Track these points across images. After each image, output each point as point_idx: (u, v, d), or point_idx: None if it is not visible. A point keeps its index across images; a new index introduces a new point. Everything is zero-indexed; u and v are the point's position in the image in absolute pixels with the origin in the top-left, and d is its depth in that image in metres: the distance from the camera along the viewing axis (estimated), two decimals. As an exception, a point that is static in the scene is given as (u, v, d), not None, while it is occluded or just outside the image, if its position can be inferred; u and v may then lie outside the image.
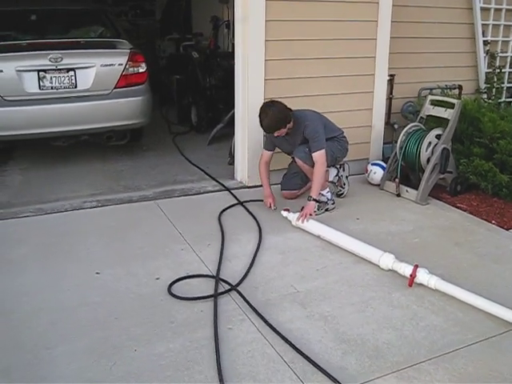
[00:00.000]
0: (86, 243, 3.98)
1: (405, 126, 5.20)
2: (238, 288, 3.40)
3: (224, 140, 6.44)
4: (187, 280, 3.51)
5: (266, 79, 4.95)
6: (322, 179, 4.40)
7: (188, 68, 7.58)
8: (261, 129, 4.83)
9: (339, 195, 4.87)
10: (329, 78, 5.23)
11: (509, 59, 6.67)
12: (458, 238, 4.24)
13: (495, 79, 6.55)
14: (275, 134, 4.38)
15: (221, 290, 3.39)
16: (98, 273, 3.57)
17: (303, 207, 4.49)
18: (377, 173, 5.26)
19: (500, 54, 6.55)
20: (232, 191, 5.02)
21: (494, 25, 6.45)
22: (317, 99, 5.17)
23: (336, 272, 3.66)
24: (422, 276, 3.44)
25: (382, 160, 5.61)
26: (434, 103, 5.18)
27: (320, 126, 4.40)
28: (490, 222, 4.55)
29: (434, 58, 6.14)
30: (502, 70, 6.56)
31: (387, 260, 3.64)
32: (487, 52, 6.47)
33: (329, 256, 3.87)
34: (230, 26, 7.74)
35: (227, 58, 6.82)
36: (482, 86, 6.50)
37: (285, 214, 4.38)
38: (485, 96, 6.47)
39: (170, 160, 6.01)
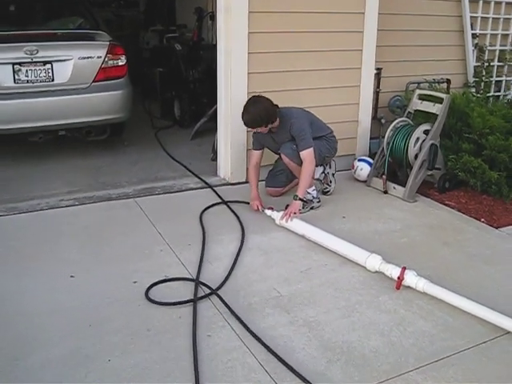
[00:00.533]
0: (61, 244, 3.82)
1: (392, 121, 5.07)
2: (219, 292, 3.26)
3: (207, 134, 6.28)
4: (166, 283, 3.36)
5: (249, 73, 4.80)
6: (310, 178, 4.26)
7: (171, 60, 7.40)
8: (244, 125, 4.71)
9: (325, 193, 4.74)
10: (314, 71, 5.08)
11: (497, 53, 6.56)
12: (446, 237, 4.12)
13: (484, 73, 6.43)
14: (255, 130, 4.27)
15: (201, 294, 3.24)
16: (72, 276, 3.41)
17: (288, 205, 4.36)
18: (363, 169, 5.14)
19: (489, 48, 6.42)
20: (215, 188, 4.87)
21: (482, 17, 6.34)
22: (302, 93, 5.03)
23: (321, 274, 3.53)
24: (410, 279, 3.32)
25: (369, 156, 5.48)
26: (422, 97, 5.05)
27: (306, 124, 4.25)
28: (479, 220, 4.44)
29: (421, 51, 6.01)
30: (491, 64, 6.43)
31: (374, 261, 3.51)
32: (476, 45, 6.35)
33: (313, 257, 3.74)
34: (214, 17, 7.52)
35: (211, 51, 6.61)
36: (471, 79, 6.40)
37: (269, 212, 4.24)
38: (473, 90, 6.35)
39: (152, 156, 5.84)
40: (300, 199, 4.16)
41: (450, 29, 6.21)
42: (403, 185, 4.86)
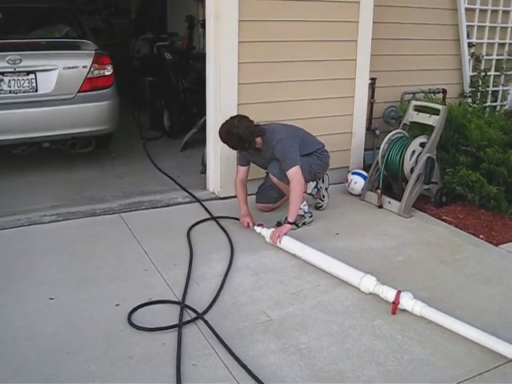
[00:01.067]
0: (41, 264, 3.64)
1: (388, 133, 4.92)
2: (206, 316, 3.09)
3: (197, 146, 6.11)
4: (150, 306, 3.19)
5: (239, 83, 4.64)
6: (300, 199, 4.06)
7: (161, 70, 7.23)
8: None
9: (318, 208, 4.57)
10: (307, 82, 4.93)
11: (494, 62, 6.42)
12: (444, 255, 3.96)
13: (480, 83, 6.29)
14: (242, 151, 4.17)
15: (186, 318, 3.07)
16: (51, 298, 3.23)
17: (278, 222, 4.19)
18: (357, 182, 4.98)
19: (485, 57, 6.29)
20: (204, 203, 4.70)
21: (479, 26, 6.20)
22: (294, 105, 4.89)
23: (313, 296, 3.36)
24: (406, 302, 3.16)
25: (363, 168, 5.33)
26: (418, 109, 4.90)
27: (289, 143, 4.03)
28: (478, 237, 4.28)
29: (417, 60, 5.87)
30: (488, 74, 6.30)
31: (368, 283, 3.35)
32: (472, 54, 6.22)
33: (306, 277, 3.57)
34: (205, 25, 7.39)
35: (201, 60, 6.44)
36: (467, 89, 6.26)
37: (258, 229, 4.07)
38: (469, 100, 6.22)
39: (140, 168, 5.66)
40: (290, 223, 3.98)
41: (446, 38, 6.07)
42: (399, 199, 4.71)
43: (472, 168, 4.69)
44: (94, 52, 5.14)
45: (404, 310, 3.17)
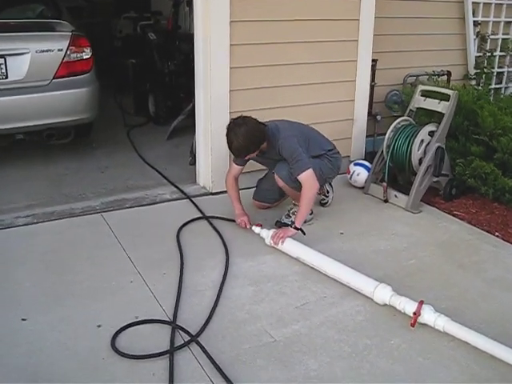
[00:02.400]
0: (13, 276, 3.23)
1: (390, 118, 4.54)
2: (201, 338, 2.72)
3: (185, 133, 5.69)
4: (137, 327, 2.80)
5: (231, 67, 4.21)
6: (311, 205, 3.66)
7: (145, 51, 6.76)
8: (227, 121, 4.14)
9: (323, 204, 4.18)
10: (305, 65, 4.52)
11: (500, 42, 6.03)
12: (460, 257, 3.61)
13: (485, 64, 5.91)
14: (245, 158, 3.66)
15: (179, 340, 2.69)
16: (24, 319, 2.83)
17: (278, 221, 3.81)
18: (360, 174, 4.59)
19: (491, 37, 5.89)
20: (194, 199, 4.30)
21: (484, 3, 5.80)
22: (291, 90, 4.49)
23: (320, 310, 2.99)
24: (428, 315, 2.81)
25: (364, 155, 4.96)
26: (426, 94, 4.51)
27: (295, 143, 3.60)
28: (494, 235, 3.94)
29: (420, 40, 5.48)
30: (494, 54, 5.91)
31: (383, 293, 2.99)
32: (477, 34, 5.83)
33: (311, 287, 3.20)
34: (191, 2, 6.91)
35: (188, 41, 6.00)
36: (472, 71, 5.88)
37: (257, 230, 3.69)
38: (474, 82, 5.85)
39: (123, 160, 5.23)
40: (296, 228, 3.57)
41: (450, 16, 5.68)
42: (405, 192, 4.35)
43: (484, 158, 4.33)
44: (70, 33, 4.67)
45: (423, 325, 2.82)
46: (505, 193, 4.22)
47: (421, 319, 2.81)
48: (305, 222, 3.89)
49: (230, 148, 3.59)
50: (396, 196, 4.33)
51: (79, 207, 4.09)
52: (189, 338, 2.69)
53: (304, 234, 3.59)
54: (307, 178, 3.52)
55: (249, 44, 4.22)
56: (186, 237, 3.72)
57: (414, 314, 2.80)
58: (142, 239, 3.67)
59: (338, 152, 3.94)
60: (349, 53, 4.68)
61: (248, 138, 3.47)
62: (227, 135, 3.54)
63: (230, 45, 4.15)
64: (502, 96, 5.83)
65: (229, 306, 2.98)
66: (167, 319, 2.85)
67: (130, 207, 4.15)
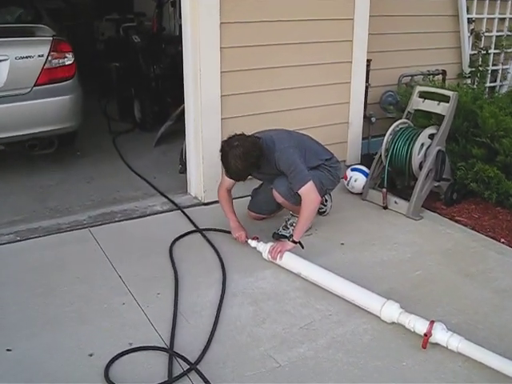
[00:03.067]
0: (-5, 300, 3.02)
1: (388, 121, 4.38)
2: (200, 365, 2.53)
3: (174, 139, 5.51)
4: (132, 354, 2.60)
5: (222, 71, 4.02)
6: (311, 220, 3.47)
7: (129, 54, 6.53)
8: (218, 134, 3.98)
9: (321, 213, 3.99)
10: (298, 67, 4.35)
11: (494, 39, 5.89)
12: (466, 266, 3.46)
13: (480, 62, 5.77)
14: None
15: (177, 369, 2.51)
16: (9, 350, 2.62)
17: (275, 234, 3.64)
18: (358, 180, 4.43)
19: (486, 34, 5.75)
20: (186, 210, 4.11)
21: (478, 0, 5.64)
22: (284, 93, 4.32)
23: (326, 330, 2.81)
24: (440, 335, 2.65)
25: (360, 161, 4.81)
26: (424, 95, 4.35)
27: (295, 154, 3.39)
28: (499, 241, 3.79)
29: (414, 39, 5.32)
30: (488, 52, 5.78)
31: (391, 311, 2.82)
32: (472, 31, 5.68)
33: (314, 304, 3.02)
34: (175, 3, 6.71)
35: (174, 43, 5.84)
36: (466, 69, 5.73)
37: (253, 243, 3.51)
38: (469, 81, 5.71)
39: (110, 169, 5.01)
40: (294, 242, 3.38)
41: (444, 13, 5.53)
42: (404, 197, 4.20)
43: (486, 161, 4.18)
44: (51, 38, 4.44)
45: (435, 344, 2.65)
46: (509, 197, 4.08)
47: (432, 339, 2.65)
48: None
49: (227, 173, 3.36)
50: (396, 202, 4.17)
51: (65, 222, 3.87)
52: (188, 367, 2.50)
53: (303, 247, 3.41)
54: (308, 191, 3.32)
55: (240, 46, 4.04)
56: (180, 252, 3.53)
57: (425, 335, 2.64)
58: (133, 256, 3.48)
59: (338, 161, 3.76)
60: (343, 54, 4.51)
61: (246, 159, 3.23)
62: (223, 160, 3.29)
63: (221, 48, 3.96)
64: (496, 94, 5.70)
65: (228, 329, 2.80)
66: (163, 345, 2.66)
67: (119, 221, 3.94)
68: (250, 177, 3.54)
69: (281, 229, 3.70)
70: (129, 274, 3.26)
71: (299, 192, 3.33)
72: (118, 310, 2.94)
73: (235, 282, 3.21)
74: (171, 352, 2.59)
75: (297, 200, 3.39)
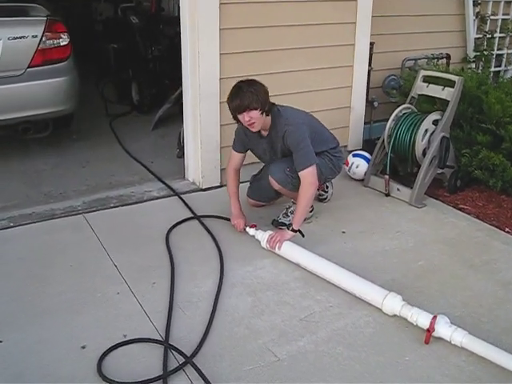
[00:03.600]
0: (-14, 288, 2.93)
1: (391, 105, 4.27)
2: (197, 358, 2.45)
3: (172, 122, 5.41)
4: (126, 347, 2.52)
5: (222, 53, 3.91)
6: (309, 205, 3.40)
7: (127, 35, 6.39)
8: (216, 117, 3.86)
9: (321, 200, 3.91)
10: (300, 49, 4.25)
11: (499, 22, 5.75)
12: (470, 256, 3.37)
13: (485, 46, 5.64)
14: (246, 118, 3.15)
15: (172, 362, 2.43)
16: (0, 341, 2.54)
17: (274, 221, 3.55)
18: (360, 166, 4.33)
19: (491, 17, 5.61)
20: (183, 196, 4.01)
21: (485, -19, 5.52)
22: (286, 77, 4.22)
23: (326, 322, 2.73)
24: (444, 330, 2.57)
25: (362, 147, 4.71)
26: (428, 80, 4.23)
27: (305, 134, 3.28)
28: (504, 230, 3.70)
29: (418, 21, 5.20)
30: (494, 36, 5.64)
31: (393, 304, 2.74)
32: (477, 14, 5.54)
33: (314, 295, 2.94)
34: (174, -17, 6.56)
35: (173, 24, 5.68)
36: (471, 54, 5.61)
37: (251, 231, 3.42)
38: (473, 66, 5.59)
39: (106, 153, 4.90)
40: (294, 230, 3.28)
41: (449, -6, 5.39)
42: (406, 184, 4.11)
43: (491, 148, 4.07)
44: (45, 18, 4.30)
45: (439, 338, 2.58)
46: (514, 184, 3.98)
47: (436, 333, 2.57)
48: (304, 219, 3.63)
49: (229, 100, 3.18)
50: (398, 189, 4.08)
51: (60, 208, 3.78)
52: (183, 360, 2.42)
53: (303, 236, 3.31)
54: (309, 174, 3.22)
55: (240, 28, 3.92)
56: (177, 239, 3.44)
57: (428, 331, 2.56)
58: (129, 243, 3.39)
59: (341, 150, 3.67)
60: (346, 36, 4.40)
61: (254, 93, 3.10)
62: (231, 90, 3.19)
63: (220, 29, 3.84)
64: (501, 79, 5.58)
65: (226, 321, 2.72)
66: (159, 337, 2.58)
67: (115, 206, 3.85)
68: (252, 156, 3.48)
69: (281, 216, 3.61)
70: (124, 262, 3.18)
71: (301, 173, 3.22)
72: (112, 299, 2.86)
73: (233, 271, 3.13)
74: (166, 345, 2.51)
75: (294, 186, 3.30)
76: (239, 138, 3.47)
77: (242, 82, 3.20)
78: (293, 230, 3.26)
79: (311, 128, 3.35)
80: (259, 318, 2.75)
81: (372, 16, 4.55)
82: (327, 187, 3.88)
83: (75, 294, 2.90)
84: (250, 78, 3.27)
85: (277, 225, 3.56)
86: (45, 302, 2.83)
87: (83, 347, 2.51)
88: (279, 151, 3.37)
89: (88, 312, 2.76)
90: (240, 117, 3.18)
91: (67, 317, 2.72)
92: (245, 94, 3.11)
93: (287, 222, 3.51)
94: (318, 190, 3.78)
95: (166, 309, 2.77)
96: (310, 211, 3.68)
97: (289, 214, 3.59)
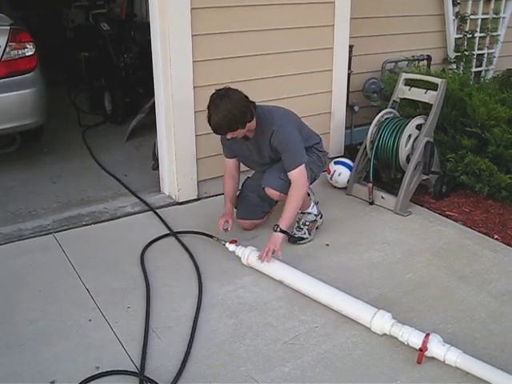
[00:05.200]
0: None
1: (372, 109, 4.15)
2: (174, 391, 2.27)
3: (146, 132, 5.23)
4: (98, 380, 2.34)
5: (195, 61, 3.74)
6: (299, 205, 3.20)
7: (98, 43, 6.18)
8: (191, 127, 3.70)
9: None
10: (276, 54, 4.09)
11: (479, 22, 5.66)
12: (460, 267, 3.24)
13: (465, 46, 5.54)
14: (228, 136, 3.06)
15: (148, 397, 2.25)
16: (-41, 380, 2.35)
17: (291, 237, 3.36)
18: (342, 174, 4.18)
19: (471, 17, 5.51)
20: (159, 211, 3.84)
21: (463, -19, 5.41)
22: (262, 83, 4.06)
23: (312, 344, 2.57)
24: (437, 349, 2.42)
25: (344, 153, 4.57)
26: (410, 83, 4.10)
27: (294, 132, 3.15)
28: (492, 237, 3.58)
29: (397, 22, 5.08)
30: (474, 35, 5.55)
31: (382, 323, 2.59)
32: (457, 14, 5.44)
33: (298, 315, 2.78)
34: (147, -12, 6.36)
35: (145, 30, 5.48)
36: (452, 54, 5.50)
37: (231, 247, 3.24)
38: (454, 66, 5.48)
39: (78, 166, 4.70)
40: (282, 231, 3.10)
41: (428, -6, 5.28)
42: (390, 191, 3.98)
43: (477, 152, 3.96)
44: (8, 27, 4.10)
45: (431, 358, 2.43)
46: (501, 189, 3.86)
47: (428, 353, 2.43)
48: (317, 228, 3.52)
49: (209, 123, 3.03)
50: (383, 197, 3.94)
51: (28, 227, 3.58)
52: (160, 395, 2.25)
53: (292, 237, 3.20)
54: (300, 174, 3.10)
55: (214, 34, 3.76)
56: (152, 258, 3.26)
57: (421, 350, 2.41)
58: (102, 264, 3.20)
59: (323, 146, 3.54)
60: (324, 39, 4.25)
61: (230, 111, 2.94)
62: (208, 107, 3.01)
63: (193, 35, 3.67)
64: (482, 79, 5.50)
65: (205, 347, 2.54)
66: (134, 368, 2.40)
67: (87, 224, 3.65)
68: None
69: (295, 231, 3.42)
70: (97, 285, 2.99)
71: (292, 172, 3.09)
72: (84, 327, 2.67)
73: (212, 291, 2.96)
74: (142, 377, 2.33)
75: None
76: (224, 144, 3.35)
77: (216, 95, 3.00)
78: (281, 231, 3.09)
79: (296, 125, 3.23)
80: (241, 342, 2.58)
81: (350, 18, 4.41)
82: (309, 194, 3.63)
83: (45, 322, 2.71)
84: (226, 86, 3.09)
85: (294, 241, 3.37)
86: (12, 331, 2.64)
87: (52, 382, 2.33)
88: (266, 153, 3.22)
89: (58, 342, 2.57)
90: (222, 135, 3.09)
91: (36, 348, 2.53)
92: (222, 118, 2.95)
93: (305, 236, 3.40)
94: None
95: (141, 335, 2.59)
96: (321, 218, 3.57)
97: (301, 226, 3.43)
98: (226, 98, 2.97)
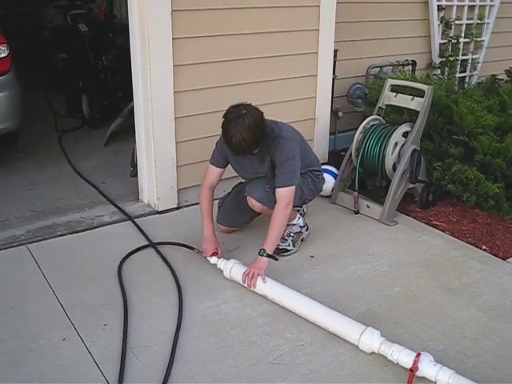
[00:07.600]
0: None
1: (356, 115, 4.07)
2: (153, 418, 2.14)
3: (125, 137, 5.07)
4: (71, 405, 2.20)
5: (175, 65, 3.61)
6: (284, 227, 3.07)
7: (76, 44, 6.01)
8: (171, 134, 3.58)
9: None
10: (259, 59, 3.98)
11: (464, 27, 5.61)
12: (448, 280, 3.15)
13: (450, 51, 5.49)
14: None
15: (125, 424, 2.11)
16: None
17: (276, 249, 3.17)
18: (327, 182, 4.04)
19: (456, 22, 5.46)
20: (138, 220, 3.70)
21: (448, -14, 5.36)
22: (245, 89, 3.92)
23: (298, 364, 2.46)
24: (428, 369, 2.33)
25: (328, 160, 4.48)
26: (396, 89, 4.01)
27: (296, 150, 3.03)
28: (480, 248, 3.51)
29: (382, 27, 5.03)
30: (459, 41, 5.49)
31: (371, 341, 2.50)
32: (441, 19, 5.38)
33: (283, 333, 2.66)
34: (126, -11, 6.21)
35: (124, 32, 5.34)
36: (436, 59, 5.44)
37: (213, 260, 3.12)
38: (439, 72, 5.43)
39: (54, 173, 4.52)
40: (268, 255, 2.96)
41: (413, 0, 5.20)
42: (376, 199, 3.89)
43: (464, 160, 3.88)
44: (-21, 29, 3.95)
45: (422, 377, 2.34)
46: (488, 199, 3.79)
47: (419, 373, 2.33)
48: (302, 240, 3.43)
49: (229, 144, 2.88)
50: (368, 206, 3.84)
51: (0, 238, 3.41)
52: (138, 422, 2.11)
53: (276, 259, 3.04)
54: (287, 194, 2.97)
55: (195, 37, 3.63)
56: (130, 272, 3.12)
57: (411, 370, 2.32)
58: (77, 278, 3.05)
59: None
60: (309, 44, 4.15)
61: (253, 132, 2.80)
62: (227, 128, 2.84)
63: (173, 38, 3.54)
64: (467, 85, 5.44)
65: (186, 368, 2.42)
66: (110, 394, 2.26)
67: (62, 235, 3.50)
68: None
69: (279, 241, 3.23)
70: (72, 301, 2.84)
71: (280, 190, 2.97)
72: (57, 347, 2.52)
73: (193, 307, 2.83)
74: (118, 403, 2.20)
75: (274, 204, 3.02)
76: (221, 151, 3.14)
77: (236, 114, 2.83)
78: (268, 256, 2.96)
79: (300, 146, 3.12)
80: (223, 362, 2.46)
81: (335, 22, 4.31)
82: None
83: (16, 341, 2.56)
84: (244, 102, 2.93)
85: (278, 253, 3.20)
86: (-22, 354, 2.48)
87: (22, 409, 2.18)
88: (266, 166, 3.09)
89: (31, 363, 2.42)
90: None
91: (5, 371, 2.38)
92: (243, 142, 2.81)
93: (289, 248, 3.30)
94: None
95: (118, 356, 2.45)
96: (306, 230, 3.46)
97: (286, 237, 3.31)
98: (249, 118, 2.81)
